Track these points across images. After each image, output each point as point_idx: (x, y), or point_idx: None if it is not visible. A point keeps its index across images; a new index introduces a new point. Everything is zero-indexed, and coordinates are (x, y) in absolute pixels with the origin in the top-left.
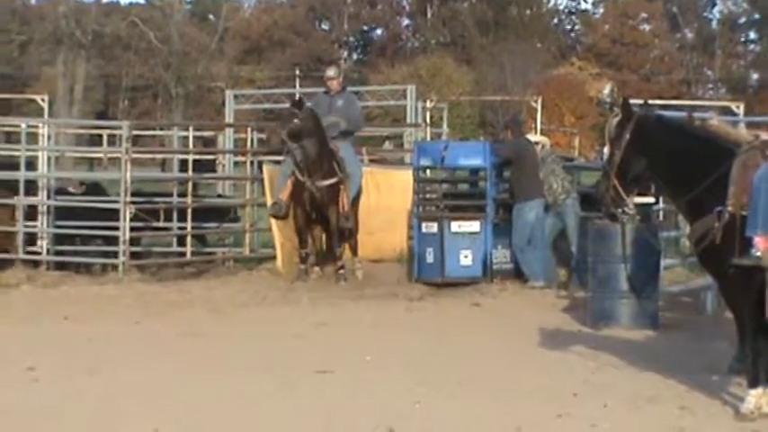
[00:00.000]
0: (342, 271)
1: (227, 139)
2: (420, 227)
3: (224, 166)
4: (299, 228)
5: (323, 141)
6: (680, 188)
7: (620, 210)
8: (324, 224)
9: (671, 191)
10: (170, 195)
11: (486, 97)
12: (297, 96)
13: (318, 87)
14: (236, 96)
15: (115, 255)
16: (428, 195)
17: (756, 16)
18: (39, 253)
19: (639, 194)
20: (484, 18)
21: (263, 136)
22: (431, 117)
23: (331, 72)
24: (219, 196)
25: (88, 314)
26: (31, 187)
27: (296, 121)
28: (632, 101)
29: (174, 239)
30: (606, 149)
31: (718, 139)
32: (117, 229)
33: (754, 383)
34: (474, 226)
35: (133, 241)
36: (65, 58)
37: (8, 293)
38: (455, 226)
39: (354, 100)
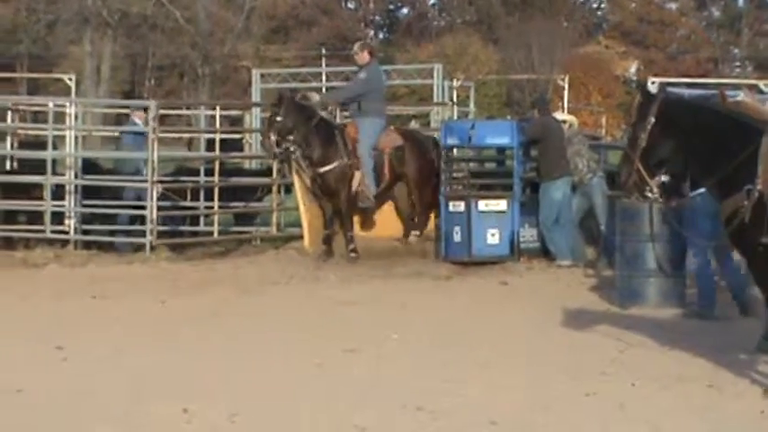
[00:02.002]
0: (353, 254)
1: (253, 118)
2: (447, 206)
3: (251, 145)
4: (324, 209)
5: (316, 129)
6: (708, 168)
7: (644, 194)
8: (334, 207)
9: (699, 171)
10: (197, 174)
11: (513, 76)
12: (278, 95)
13: (345, 66)
14: (262, 75)
15: (143, 234)
16: (455, 174)
17: None
18: (66, 232)
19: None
20: None
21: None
22: (457, 96)
23: (355, 47)
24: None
25: (116, 293)
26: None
27: (278, 119)
28: (656, 80)
29: (202, 219)
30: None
31: (747, 118)
32: (144, 208)
33: None
34: (501, 205)
35: (161, 221)
36: (92, 38)
37: (36, 272)
38: (482, 205)
39: (366, 71)
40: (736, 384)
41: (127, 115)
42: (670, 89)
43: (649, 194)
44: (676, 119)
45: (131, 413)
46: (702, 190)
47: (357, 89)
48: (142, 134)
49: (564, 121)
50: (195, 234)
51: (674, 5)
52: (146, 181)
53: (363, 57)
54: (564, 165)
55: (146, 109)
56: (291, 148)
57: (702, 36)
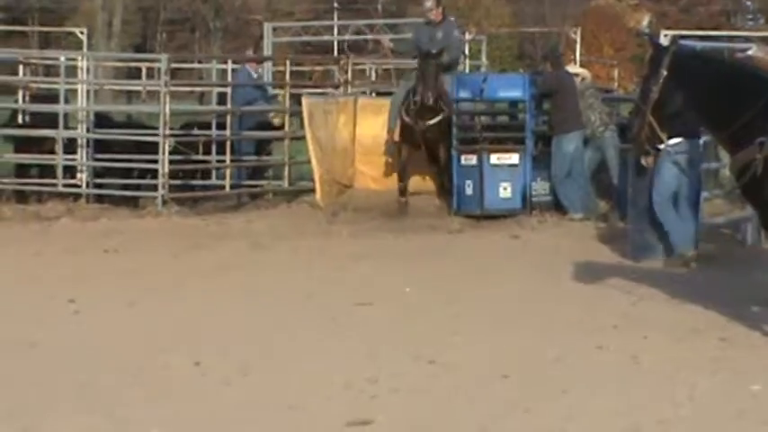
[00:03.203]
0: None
1: (265, 71)
2: (459, 159)
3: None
4: (403, 162)
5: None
6: (720, 121)
7: (655, 146)
8: (434, 159)
9: (711, 124)
10: (209, 128)
11: (525, 29)
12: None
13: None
14: (274, 29)
15: (154, 188)
16: (467, 127)
17: None
18: (78, 186)
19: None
20: None
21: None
22: (469, 49)
23: (428, 3)
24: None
25: (128, 247)
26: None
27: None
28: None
29: (214, 172)
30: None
31: (760, 71)
32: (156, 162)
33: None
34: (513, 158)
35: (172, 174)
36: None
37: (48, 226)
38: (494, 158)
39: (453, 30)
40: (748, 337)
41: (139, 69)
42: (682, 42)
43: (661, 147)
44: (688, 72)
45: (144, 366)
46: (678, 140)
47: (457, 51)
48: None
49: (576, 75)
50: (207, 188)
51: None
52: (157, 135)
53: (438, 14)
54: (576, 118)
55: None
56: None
57: None
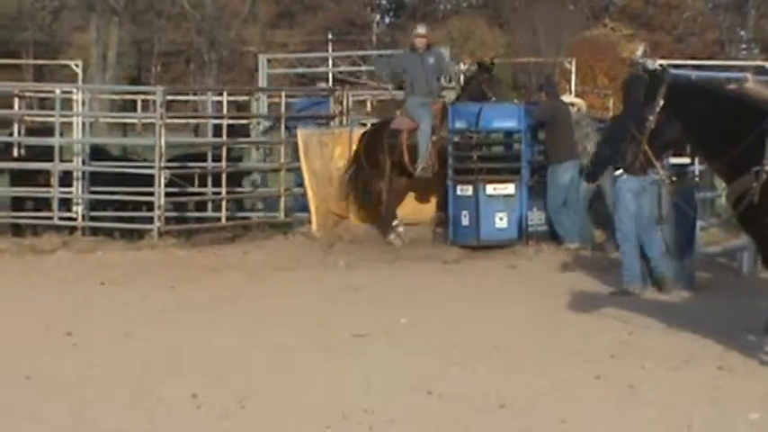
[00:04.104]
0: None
1: (260, 103)
2: (455, 190)
3: (257, 130)
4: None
5: None
6: (716, 150)
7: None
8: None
9: (707, 153)
10: (204, 160)
11: (520, 59)
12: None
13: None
14: (269, 61)
15: (150, 220)
16: (463, 158)
17: None
18: (74, 218)
19: (675, 155)
20: None
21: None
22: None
23: (422, 30)
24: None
25: (124, 279)
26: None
27: None
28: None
29: (209, 204)
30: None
31: (754, 100)
32: (152, 194)
33: None
34: (509, 188)
35: (168, 206)
36: (97, 24)
37: (44, 259)
38: (490, 189)
39: (445, 56)
40: (745, 365)
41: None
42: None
43: (655, 176)
44: (685, 101)
45: (141, 398)
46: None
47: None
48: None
49: (572, 104)
50: (202, 220)
51: None
52: (153, 167)
53: (425, 41)
54: (572, 148)
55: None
56: None
57: (709, 19)
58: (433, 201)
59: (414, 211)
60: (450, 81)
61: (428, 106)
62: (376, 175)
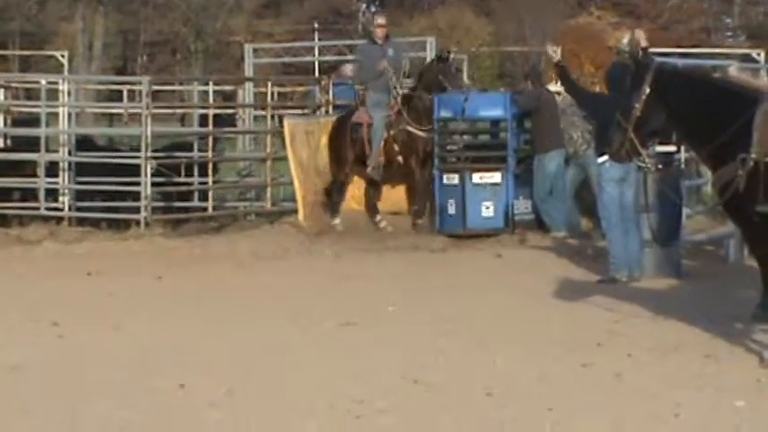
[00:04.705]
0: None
1: (246, 93)
2: (441, 179)
3: (244, 120)
4: (418, 180)
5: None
6: (702, 138)
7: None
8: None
9: (693, 141)
10: (190, 150)
11: (506, 48)
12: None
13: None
14: (255, 50)
15: (137, 210)
16: (449, 147)
17: None
18: (61, 209)
19: (661, 143)
20: None
21: (282, 89)
22: None
23: (382, 20)
24: None
25: (111, 269)
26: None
27: None
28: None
29: (196, 194)
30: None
31: (740, 88)
32: (138, 184)
33: None
34: (495, 177)
35: (154, 196)
36: (83, 15)
37: (31, 249)
38: (476, 177)
39: (402, 48)
40: (732, 353)
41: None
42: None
43: (641, 163)
44: (671, 89)
45: (128, 388)
46: (606, 158)
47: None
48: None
49: (558, 93)
50: (188, 210)
51: None
52: (139, 157)
53: (385, 32)
54: (557, 136)
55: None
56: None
57: (694, 6)
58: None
59: (395, 202)
60: (408, 76)
61: (385, 104)
62: (336, 165)
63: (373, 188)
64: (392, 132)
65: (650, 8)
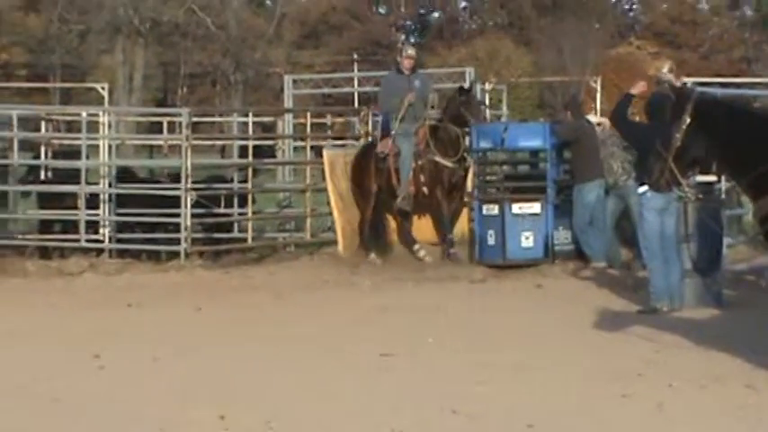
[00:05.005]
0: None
1: (286, 124)
2: (481, 209)
3: (284, 151)
4: (445, 210)
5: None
6: (743, 167)
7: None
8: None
9: (734, 171)
10: (230, 181)
11: (545, 78)
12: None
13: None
14: (294, 81)
15: (177, 241)
16: (488, 177)
17: None
18: (101, 241)
19: (701, 173)
20: None
21: (323, 120)
22: (490, 99)
23: (411, 51)
24: None
25: (151, 301)
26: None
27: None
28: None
29: (236, 225)
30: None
31: None
32: (178, 216)
33: None
34: (535, 207)
35: (195, 228)
36: (123, 47)
37: (72, 281)
38: (516, 208)
39: (429, 80)
40: None
41: (160, 123)
42: (703, 89)
43: (681, 193)
44: (711, 119)
45: (168, 420)
46: (646, 188)
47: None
48: None
49: (599, 124)
50: (228, 241)
51: (705, 5)
52: (179, 188)
53: (412, 63)
54: (597, 167)
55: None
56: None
57: (735, 35)
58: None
59: (433, 233)
60: (432, 108)
61: (411, 135)
62: (361, 197)
63: (404, 219)
64: (420, 163)
65: (690, 38)
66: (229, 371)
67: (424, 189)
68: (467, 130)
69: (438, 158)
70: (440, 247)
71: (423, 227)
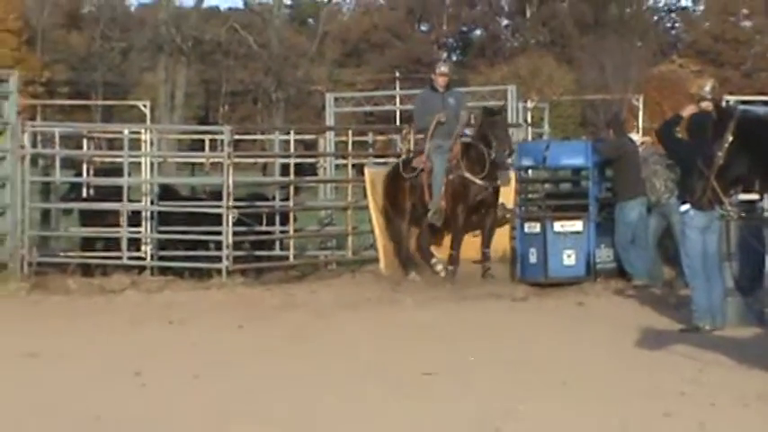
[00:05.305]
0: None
1: (327, 142)
2: (523, 227)
3: (325, 169)
4: (459, 229)
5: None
6: None
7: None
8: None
9: None
10: (272, 199)
11: (587, 96)
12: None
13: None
14: (336, 99)
15: (219, 259)
16: (530, 195)
17: None
18: (143, 258)
19: (744, 191)
20: (583, 17)
21: (364, 138)
22: (532, 117)
23: (445, 68)
24: None
25: (192, 318)
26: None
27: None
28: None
29: (277, 243)
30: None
31: None
32: (220, 233)
33: None
34: (577, 225)
35: (236, 245)
36: (165, 65)
37: (113, 299)
38: (558, 226)
39: (463, 97)
40: None
41: (202, 141)
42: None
43: (723, 211)
44: (754, 137)
45: None
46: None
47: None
48: None
49: (642, 143)
50: (270, 258)
51: (748, 23)
52: (221, 206)
53: (446, 81)
54: (639, 185)
55: None
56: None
57: None
58: (499, 238)
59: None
60: (467, 125)
61: (444, 151)
62: (396, 215)
63: (431, 233)
64: (450, 178)
65: (733, 56)
66: (270, 389)
67: (450, 209)
68: (491, 152)
69: (467, 175)
70: (480, 266)
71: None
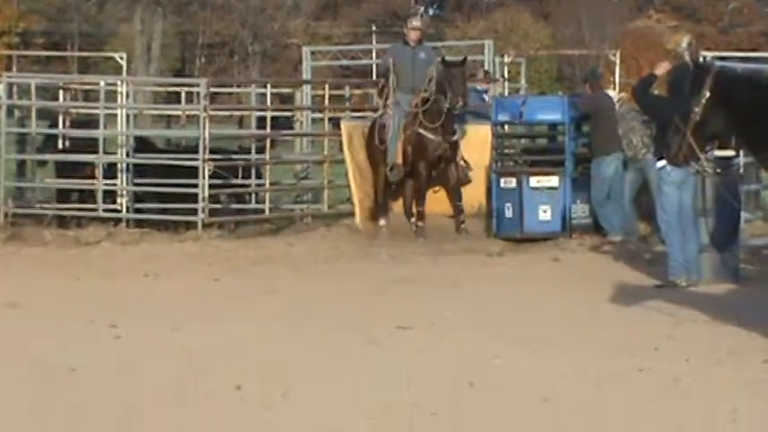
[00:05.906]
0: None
1: (304, 95)
2: (498, 182)
3: (302, 123)
4: (422, 184)
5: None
6: (762, 142)
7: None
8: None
9: (752, 145)
10: (248, 152)
11: (564, 51)
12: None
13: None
14: (312, 53)
15: (194, 212)
16: (506, 151)
17: None
18: (118, 210)
19: (719, 147)
20: None
21: (341, 92)
22: (508, 72)
23: (417, 23)
24: None
25: (168, 271)
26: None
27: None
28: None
29: (253, 196)
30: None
31: None
32: (196, 186)
33: None
34: (553, 181)
35: (212, 198)
36: (142, 16)
37: (88, 251)
38: (534, 181)
39: (433, 54)
40: None
41: (178, 93)
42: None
43: (699, 168)
44: (731, 93)
45: (185, 390)
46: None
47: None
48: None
49: (620, 99)
50: (245, 212)
51: None
52: (197, 159)
53: (419, 36)
54: (615, 140)
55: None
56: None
57: (754, 10)
58: (474, 193)
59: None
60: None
61: (402, 105)
62: (373, 169)
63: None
64: (407, 134)
65: (710, 12)
66: (245, 342)
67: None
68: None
69: (421, 131)
70: (453, 220)
71: (436, 199)
